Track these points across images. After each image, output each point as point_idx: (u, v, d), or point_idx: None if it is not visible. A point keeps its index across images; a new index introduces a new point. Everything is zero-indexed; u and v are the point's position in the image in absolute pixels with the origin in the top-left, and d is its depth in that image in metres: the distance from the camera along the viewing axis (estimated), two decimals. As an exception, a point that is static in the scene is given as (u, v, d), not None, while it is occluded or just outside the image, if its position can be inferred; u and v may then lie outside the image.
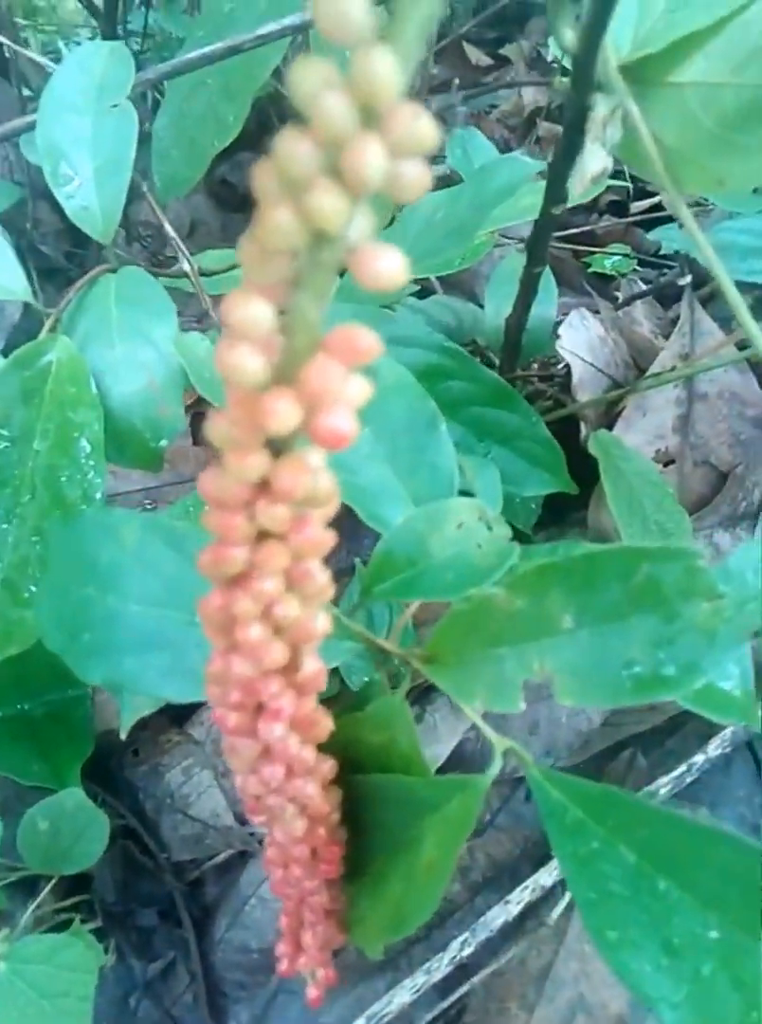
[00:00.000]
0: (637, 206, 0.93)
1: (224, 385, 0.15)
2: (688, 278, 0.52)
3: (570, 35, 0.25)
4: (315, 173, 0.12)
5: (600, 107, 0.28)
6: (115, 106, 0.40)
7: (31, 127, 0.52)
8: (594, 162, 0.28)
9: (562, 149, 0.30)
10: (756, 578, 0.18)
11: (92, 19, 0.97)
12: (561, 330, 0.48)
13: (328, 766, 0.23)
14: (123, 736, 0.35)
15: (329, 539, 0.17)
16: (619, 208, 0.94)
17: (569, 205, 0.40)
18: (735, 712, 0.25)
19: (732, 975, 0.20)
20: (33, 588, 0.33)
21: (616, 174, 1.04)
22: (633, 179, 0.96)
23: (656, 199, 0.91)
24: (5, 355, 0.43)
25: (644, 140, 0.27)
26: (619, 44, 0.28)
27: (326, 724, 0.21)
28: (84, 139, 0.40)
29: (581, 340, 0.49)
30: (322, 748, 0.23)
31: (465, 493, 0.31)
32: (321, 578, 0.17)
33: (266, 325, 0.14)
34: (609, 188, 0.96)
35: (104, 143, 0.40)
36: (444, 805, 0.21)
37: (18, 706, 0.46)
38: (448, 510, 0.23)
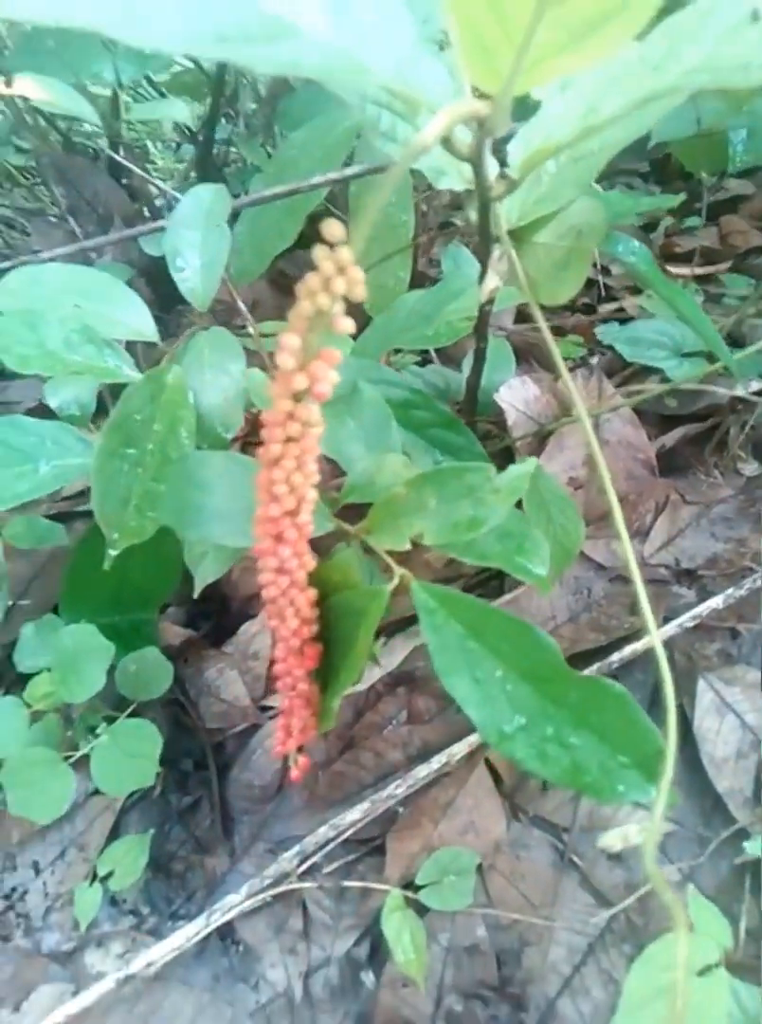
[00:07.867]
0: (605, 307, 1.14)
1: (275, 369, 0.33)
2: (595, 359, 0.70)
3: (474, 216, 0.45)
4: (319, 289, 0.31)
5: (496, 251, 0.47)
6: (217, 226, 0.61)
7: (152, 231, 0.74)
8: (490, 283, 0.47)
9: (479, 275, 0.50)
10: (516, 483, 0.36)
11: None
12: (502, 387, 0.67)
13: (312, 592, 0.41)
14: (196, 595, 0.52)
15: (316, 447, 0.35)
16: (589, 308, 1.15)
17: (556, 305, 0.60)
18: (538, 582, 0.42)
19: (509, 698, 0.37)
20: (151, 512, 0.52)
21: (590, 283, 1.26)
22: (605, 287, 1.17)
23: (618, 303, 1.12)
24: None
25: (518, 272, 0.46)
26: (510, 215, 0.47)
27: (311, 559, 0.39)
28: (195, 245, 0.61)
29: (518, 396, 0.68)
30: (309, 581, 0.40)
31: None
32: (312, 466, 0.35)
33: (297, 345, 0.33)
34: (585, 292, 1.18)
35: (207, 249, 0.60)
36: (368, 609, 0.39)
37: (112, 618, 0.64)
38: (386, 461, 0.42)
